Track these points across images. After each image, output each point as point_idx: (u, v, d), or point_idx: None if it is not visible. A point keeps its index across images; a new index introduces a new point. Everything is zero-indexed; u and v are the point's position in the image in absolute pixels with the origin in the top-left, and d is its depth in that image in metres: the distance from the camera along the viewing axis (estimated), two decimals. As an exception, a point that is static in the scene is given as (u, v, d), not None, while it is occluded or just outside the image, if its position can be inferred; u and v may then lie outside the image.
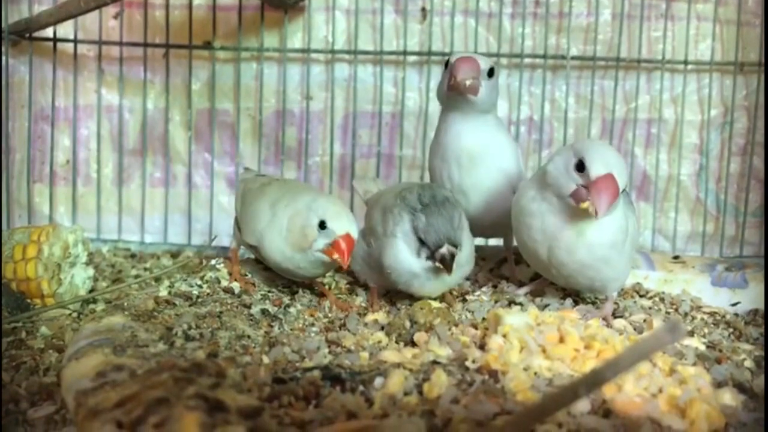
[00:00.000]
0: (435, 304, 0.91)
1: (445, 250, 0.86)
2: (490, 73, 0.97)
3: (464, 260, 0.90)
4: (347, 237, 0.87)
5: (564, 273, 0.90)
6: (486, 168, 0.99)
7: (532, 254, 0.91)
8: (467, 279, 1.08)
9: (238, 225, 0.99)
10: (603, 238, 0.86)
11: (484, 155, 0.99)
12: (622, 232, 0.88)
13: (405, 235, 0.88)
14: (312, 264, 0.90)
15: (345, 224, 0.87)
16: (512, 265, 1.09)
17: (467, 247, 0.91)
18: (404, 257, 0.89)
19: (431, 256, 0.87)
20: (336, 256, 0.87)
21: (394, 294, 0.97)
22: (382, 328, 0.86)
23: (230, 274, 0.97)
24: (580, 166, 0.83)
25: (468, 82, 0.94)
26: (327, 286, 1.01)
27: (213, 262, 1.01)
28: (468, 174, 0.99)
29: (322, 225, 0.87)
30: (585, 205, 0.81)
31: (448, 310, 0.89)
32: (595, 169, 0.81)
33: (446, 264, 0.86)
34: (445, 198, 0.90)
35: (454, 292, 1.00)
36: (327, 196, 0.97)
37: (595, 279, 0.90)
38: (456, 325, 0.84)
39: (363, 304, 0.96)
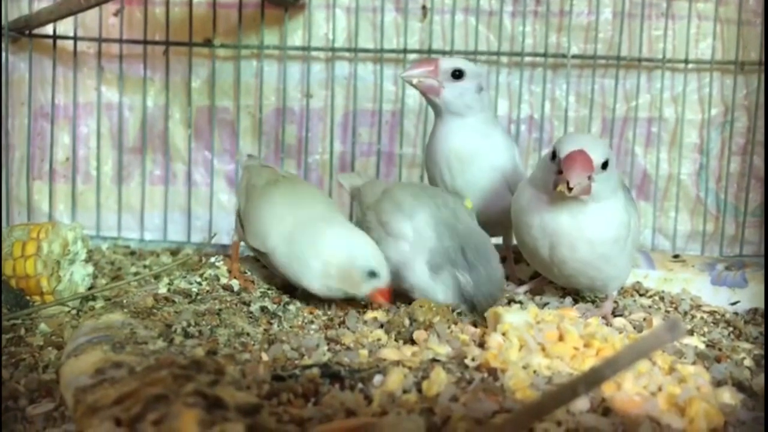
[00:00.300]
0: (435, 302, 0.91)
1: (483, 309, 0.85)
2: (456, 75, 0.97)
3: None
4: (391, 286, 0.89)
5: (565, 272, 0.89)
6: (477, 168, 1.00)
7: (532, 253, 0.91)
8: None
9: (240, 220, 0.99)
10: (604, 234, 0.86)
11: (474, 155, 0.99)
12: (624, 227, 0.88)
13: (434, 273, 0.88)
14: (344, 294, 0.91)
15: (387, 272, 0.89)
16: (512, 263, 1.09)
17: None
18: (425, 280, 0.89)
19: (471, 308, 0.87)
20: (382, 301, 0.89)
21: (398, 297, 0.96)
22: (382, 326, 0.86)
23: (230, 271, 0.97)
24: (553, 156, 0.83)
25: (415, 80, 0.97)
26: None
27: (212, 259, 1.01)
28: (459, 175, 0.99)
29: (372, 274, 0.88)
30: (559, 187, 0.81)
31: (447, 308, 0.88)
32: (564, 150, 0.81)
33: (479, 313, 0.85)
34: (487, 248, 0.88)
35: None
36: (358, 232, 0.93)
37: (596, 278, 0.90)
38: (455, 324, 0.84)
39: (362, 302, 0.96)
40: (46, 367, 0.82)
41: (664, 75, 1.33)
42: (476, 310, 0.86)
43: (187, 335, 0.76)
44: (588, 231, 0.86)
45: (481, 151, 0.99)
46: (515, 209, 0.92)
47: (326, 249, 0.88)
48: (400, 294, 0.96)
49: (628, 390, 0.64)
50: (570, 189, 0.79)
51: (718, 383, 0.71)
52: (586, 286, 0.93)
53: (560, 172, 0.81)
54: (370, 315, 0.89)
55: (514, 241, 1.10)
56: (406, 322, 0.83)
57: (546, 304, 0.94)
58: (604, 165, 0.82)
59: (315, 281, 0.89)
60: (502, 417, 0.59)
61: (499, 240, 1.13)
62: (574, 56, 1.33)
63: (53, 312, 1.00)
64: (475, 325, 0.84)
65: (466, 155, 0.99)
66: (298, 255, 0.89)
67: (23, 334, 0.93)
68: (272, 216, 0.92)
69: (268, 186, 0.98)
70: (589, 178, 0.81)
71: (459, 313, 0.86)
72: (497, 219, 1.02)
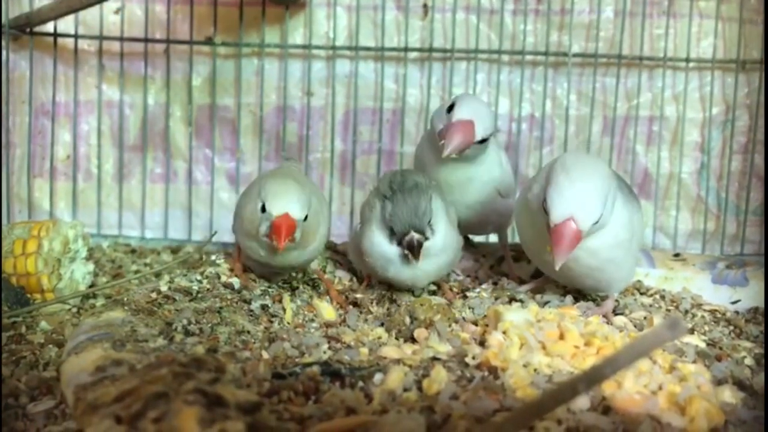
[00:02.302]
0: (435, 300, 0.91)
1: (410, 237, 0.86)
2: (482, 141, 0.96)
3: (439, 248, 0.90)
4: (284, 218, 0.83)
5: (569, 275, 0.89)
6: (471, 189, 1.02)
7: (536, 253, 0.91)
8: (467, 276, 1.08)
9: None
10: (605, 241, 0.86)
11: (467, 180, 1.01)
12: (627, 230, 0.87)
13: (378, 221, 0.90)
14: (269, 251, 0.88)
15: (282, 204, 0.84)
16: (510, 262, 1.09)
17: (441, 235, 0.90)
18: (378, 243, 0.90)
19: (399, 243, 0.88)
20: (276, 243, 0.84)
21: (395, 290, 0.96)
22: (382, 324, 0.86)
23: (231, 269, 0.97)
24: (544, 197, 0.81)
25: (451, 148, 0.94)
26: (330, 280, 1.01)
27: (213, 257, 1.01)
28: (450, 195, 0.99)
29: (263, 208, 0.85)
30: (547, 256, 0.81)
31: (448, 306, 0.89)
32: (553, 217, 0.79)
33: (413, 251, 0.86)
34: (415, 184, 0.89)
35: (454, 289, 1.00)
36: (279, 176, 0.92)
37: (601, 280, 0.90)
38: (456, 322, 0.84)
39: (353, 288, 0.98)
40: (47, 364, 0.82)
41: (666, 73, 1.33)
42: (396, 237, 0.87)
43: (187, 333, 0.76)
44: (590, 240, 0.84)
45: (474, 175, 1.01)
46: (520, 209, 0.92)
47: (244, 198, 0.90)
48: (400, 290, 0.96)
49: (629, 388, 0.64)
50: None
51: (718, 382, 0.71)
52: (590, 287, 0.93)
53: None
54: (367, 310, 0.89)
55: (513, 241, 1.10)
56: (407, 320, 0.84)
57: (547, 302, 0.93)
58: (596, 222, 0.80)
59: (241, 243, 0.90)
60: (503, 415, 0.59)
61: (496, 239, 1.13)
62: (575, 55, 1.32)
63: (54, 310, 1.00)
64: (475, 323, 0.84)
65: (458, 182, 1.01)
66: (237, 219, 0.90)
67: (24, 331, 0.93)
68: (244, 200, 0.94)
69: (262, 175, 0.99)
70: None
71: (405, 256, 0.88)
72: (488, 219, 1.06)
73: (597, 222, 0.80)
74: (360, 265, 0.99)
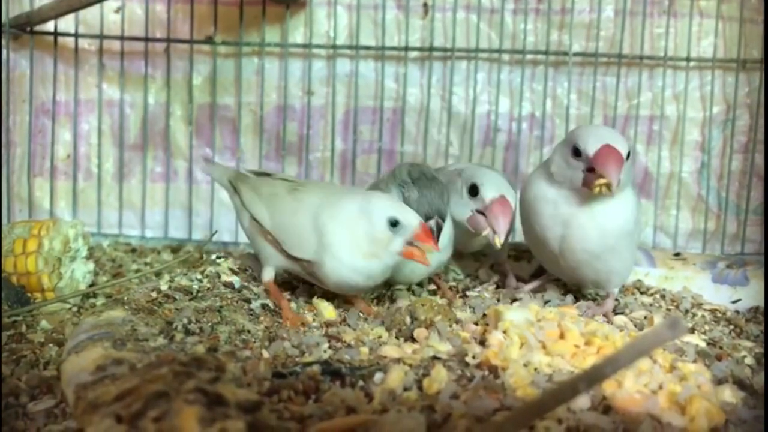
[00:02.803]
0: (436, 300, 0.91)
1: (433, 222, 0.88)
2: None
3: (445, 242, 0.91)
4: (424, 226, 0.82)
5: (572, 263, 0.89)
6: None
7: (541, 243, 0.91)
8: (467, 275, 1.08)
9: (269, 239, 0.90)
10: (616, 224, 0.87)
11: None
12: (634, 221, 0.88)
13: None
14: (385, 271, 0.85)
15: (413, 217, 0.82)
16: (506, 261, 1.09)
17: (448, 229, 0.92)
18: None
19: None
20: (424, 246, 0.81)
21: (395, 290, 0.96)
22: (382, 323, 0.86)
23: (281, 311, 0.88)
24: (575, 152, 0.84)
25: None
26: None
27: (213, 256, 1.01)
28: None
29: (395, 223, 0.81)
30: (596, 188, 0.82)
31: (449, 306, 0.88)
32: (591, 147, 0.82)
33: (433, 236, 0.86)
34: (433, 175, 0.92)
35: (453, 288, 1.00)
36: (373, 193, 0.89)
37: (601, 270, 0.90)
38: (457, 322, 0.84)
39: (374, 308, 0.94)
40: (47, 363, 0.82)
41: (666, 73, 1.33)
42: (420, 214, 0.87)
43: (187, 332, 0.76)
44: (601, 219, 0.86)
45: None
46: (525, 199, 0.92)
47: (345, 217, 0.83)
48: (400, 290, 0.96)
49: (629, 388, 0.64)
50: (610, 188, 0.81)
51: (718, 381, 0.71)
52: (590, 280, 0.93)
53: (590, 170, 0.82)
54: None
55: (513, 240, 1.10)
56: (407, 320, 0.83)
57: (547, 302, 0.94)
58: (628, 155, 0.84)
59: (347, 260, 0.83)
60: (503, 415, 0.59)
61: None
62: (576, 54, 1.32)
63: (54, 309, 1.00)
64: (476, 323, 0.84)
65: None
66: (326, 243, 0.83)
67: (24, 330, 0.93)
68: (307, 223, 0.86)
69: (293, 192, 0.90)
70: None
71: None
72: None
73: (629, 154, 0.83)
74: None
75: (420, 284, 1.01)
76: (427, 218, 0.87)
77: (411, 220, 0.82)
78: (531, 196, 0.90)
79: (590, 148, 0.82)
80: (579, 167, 0.83)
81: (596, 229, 0.86)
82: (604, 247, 0.87)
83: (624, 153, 0.82)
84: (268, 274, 0.92)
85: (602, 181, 0.81)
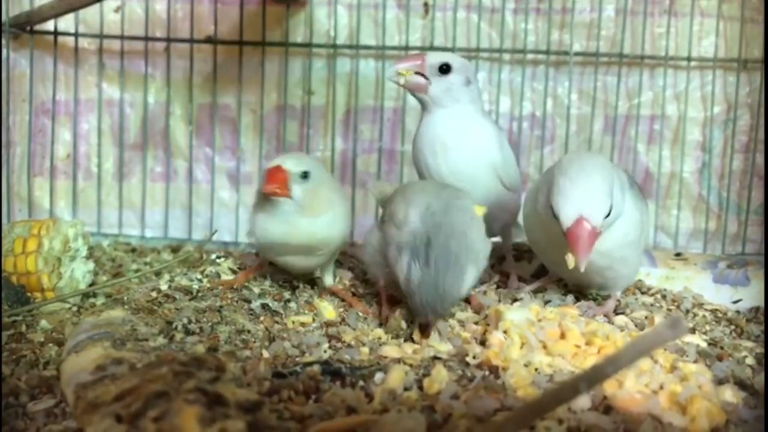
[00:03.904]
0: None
1: (425, 321, 0.79)
2: (443, 69, 0.96)
3: (464, 294, 0.83)
4: (275, 167, 0.84)
5: (580, 276, 0.89)
6: (460, 153, 0.97)
7: (548, 252, 0.90)
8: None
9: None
10: (617, 241, 0.85)
11: (457, 141, 0.97)
12: (637, 229, 0.88)
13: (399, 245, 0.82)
14: (285, 223, 0.86)
15: (276, 159, 0.85)
16: (511, 261, 1.08)
17: (469, 283, 0.81)
18: (401, 262, 0.81)
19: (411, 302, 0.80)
20: (265, 188, 0.83)
21: (400, 295, 0.95)
22: (380, 325, 0.86)
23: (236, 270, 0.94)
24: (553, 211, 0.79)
25: (402, 80, 0.96)
26: (352, 294, 0.96)
27: (213, 256, 1.01)
28: (443, 161, 0.97)
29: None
30: (569, 262, 0.80)
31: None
32: (564, 218, 0.77)
33: (423, 330, 0.80)
34: (447, 237, 0.78)
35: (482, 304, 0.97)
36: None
37: (609, 278, 0.90)
38: (453, 315, 0.84)
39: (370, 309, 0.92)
40: (47, 363, 0.82)
41: (667, 72, 1.32)
42: (414, 307, 0.79)
43: (187, 332, 0.76)
44: (602, 243, 0.82)
45: (464, 136, 0.97)
46: (528, 212, 0.91)
47: None
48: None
49: (630, 388, 0.64)
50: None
51: (719, 381, 0.71)
52: (598, 285, 0.93)
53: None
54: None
55: (515, 239, 1.10)
56: (403, 324, 0.83)
57: (548, 302, 0.93)
58: (608, 214, 0.79)
59: (255, 221, 0.90)
60: (503, 415, 0.59)
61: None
62: (577, 53, 1.32)
63: (54, 309, 1.00)
64: (476, 323, 0.84)
65: (448, 140, 0.97)
66: None
67: (24, 330, 0.93)
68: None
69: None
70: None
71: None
72: (493, 215, 0.98)
73: (609, 214, 0.79)
74: (377, 270, 0.91)
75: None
76: (418, 312, 0.79)
77: (268, 164, 0.85)
78: (532, 218, 0.89)
79: (564, 219, 0.77)
80: (557, 227, 0.79)
81: (599, 253, 0.83)
82: (611, 261, 0.87)
83: (598, 221, 0.77)
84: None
85: (571, 258, 0.78)
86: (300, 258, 0.91)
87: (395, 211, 0.86)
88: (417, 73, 0.97)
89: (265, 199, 0.86)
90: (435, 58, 0.97)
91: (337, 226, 0.90)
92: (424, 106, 1.00)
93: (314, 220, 0.87)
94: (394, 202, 0.89)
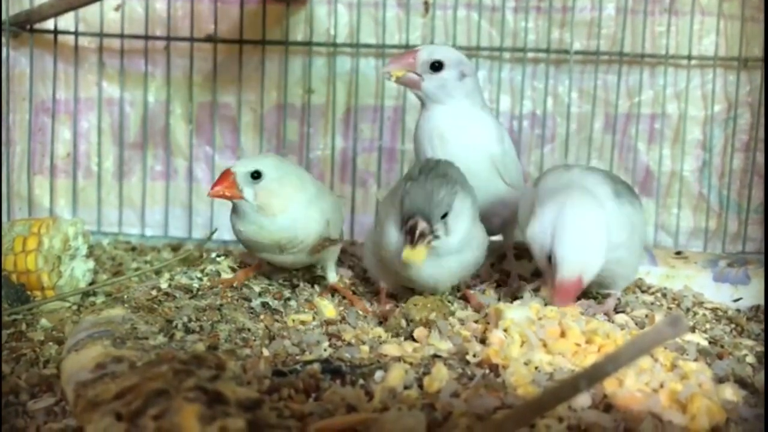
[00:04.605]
0: (429, 298, 0.89)
1: (414, 222, 0.78)
2: (435, 66, 0.96)
3: (453, 248, 0.83)
4: (224, 171, 0.87)
5: None
6: (458, 144, 0.97)
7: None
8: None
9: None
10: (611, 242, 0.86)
11: (455, 133, 0.97)
12: (625, 230, 0.87)
13: (396, 209, 0.82)
14: (251, 224, 0.88)
15: (235, 163, 0.88)
16: (512, 260, 1.08)
17: (459, 237, 0.83)
18: (393, 233, 0.83)
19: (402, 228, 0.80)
20: (211, 191, 0.87)
21: (400, 295, 0.95)
22: (380, 324, 0.86)
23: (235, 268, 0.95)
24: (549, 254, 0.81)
25: (394, 78, 0.97)
26: (352, 292, 0.97)
27: (213, 255, 1.01)
28: (441, 152, 0.96)
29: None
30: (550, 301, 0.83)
31: (441, 302, 0.88)
32: (560, 273, 0.80)
33: (411, 235, 0.78)
34: (444, 174, 0.83)
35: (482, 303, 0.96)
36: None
37: (605, 278, 0.90)
38: (452, 314, 0.84)
39: (370, 308, 0.93)
40: (47, 362, 0.82)
41: (667, 71, 1.32)
42: (402, 219, 0.80)
43: (187, 330, 0.76)
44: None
45: (462, 129, 0.97)
46: (524, 213, 0.91)
47: None
48: (405, 294, 0.94)
49: (630, 386, 0.64)
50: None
51: (720, 380, 0.71)
52: (595, 283, 0.93)
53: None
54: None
55: (516, 239, 1.10)
56: (403, 322, 0.83)
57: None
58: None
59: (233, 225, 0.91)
60: (504, 413, 0.59)
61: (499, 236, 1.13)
62: (577, 52, 1.32)
63: (54, 307, 1.00)
64: (476, 321, 0.84)
65: (446, 133, 0.97)
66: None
67: (24, 329, 0.93)
68: None
69: None
70: None
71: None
72: (493, 210, 1.00)
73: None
74: (376, 272, 0.93)
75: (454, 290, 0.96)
76: (407, 217, 0.79)
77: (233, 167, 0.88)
78: (527, 211, 0.89)
79: (562, 273, 0.79)
80: (549, 271, 0.82)
81: None
82: (606, 262, 0.87)
83: (589, 279, 0.81)
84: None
85: (551, 294, 0.82)
86: (278, 256, 0.91)
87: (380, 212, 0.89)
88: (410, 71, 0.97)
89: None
90: (426, 55, 0.96)
91: (303, 223, 0.89)
92: (421, 102, 1.00)
93: (274, 219, 0.88)
94: (381, 208, 0.92)
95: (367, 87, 1.35)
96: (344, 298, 0.94)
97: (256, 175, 0.86)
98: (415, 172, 0.84)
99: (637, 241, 0.91)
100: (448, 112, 0.98)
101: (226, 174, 0.87)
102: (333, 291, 0.96)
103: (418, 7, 1.34)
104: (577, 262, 0.80)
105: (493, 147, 0.99)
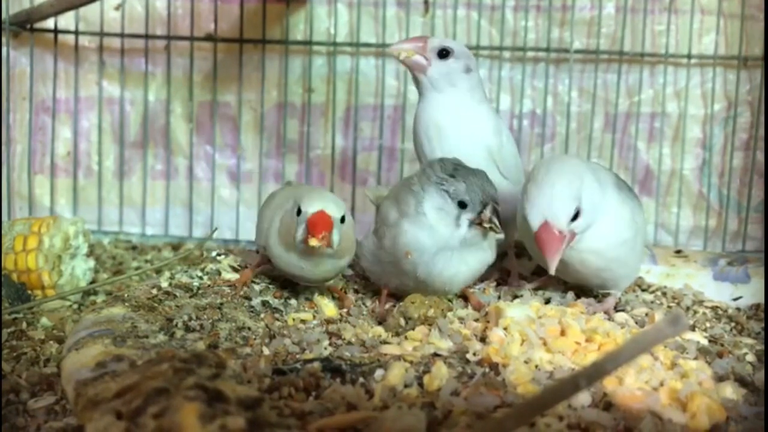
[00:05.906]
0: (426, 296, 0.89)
1: (490, 208, 0.82)
2: (443, 54, 0.97)
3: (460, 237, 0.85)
4: (320, 214, 0.79)
5: (578, 276, 0.90)
6: (456, 136, 0.97)
7: (539, 254, 0.90)
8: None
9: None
10: (609, 241, 0.86)
11: (453, 124, 0.97)
12: (630, 228, 0.88)
13: (435, 209, 0.84)
14: (309, 262, 0.85)
15: (316, 203, 0.80)
16: (513, 259, 1.08)
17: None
18: (429, 233, 0.84)
19: (477, 219, 0.83)
20: (312, 241, 0.78)
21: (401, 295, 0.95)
22: (380, 323, 0.86)
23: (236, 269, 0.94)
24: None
25: (402, 55, 0.97)
26: (343, 290, 0.96)
27: (214, 254, 1.01)
28: (438, 144, 0.96)
29: (298, 211, 0.81)
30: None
31: (439, 298, 0.88)
32: None
33: (495, 222, 0.82)
34: (474, 169, 0.86)
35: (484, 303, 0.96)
36: (307, 186, 0.92)
37: (608, 279, 0.90)
38: (450, 310, 0.84)
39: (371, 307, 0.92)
40: (48, 360, 0.82)
41: (667, 70, 1.32)
42: (477, 210, 0.83)
43: (188, 329, 0.76)
44: (593, 242, 0.84)
45: (459, 119, 0.97)
46: (523, 213, 0.91)
47: (280, 212, 0.87)
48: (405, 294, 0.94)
49: (630, 385, 0.64)
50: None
51: (720, 378, 0.71)
52: (598, 285, 0.93)
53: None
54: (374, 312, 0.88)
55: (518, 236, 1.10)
56: (402, 321, 0.83)
57: (548, 300, 0.93)
58: (574, 217, 0.81)
59: (277, 257, 0.86)
60: (504, 411, 0.59)
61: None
62: (577, 51, 1.32)
63: (54, 306, 1.00)
64: (477, 320, 0.84)
65: (443, 122, 0.97)
66: (272, 234, 0.87)
67: (25, 327, 0.93)
68: (267, 214, 0.92)
69: (273, 192, 0.98)
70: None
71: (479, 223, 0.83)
72: None
73: (576, 216, 0.81)
74: (377, 273, 0.92)
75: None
76: (483, 206, 0.82)
77: (309, 208, 0.80)
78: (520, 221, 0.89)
79: (531, 224, 0.80)
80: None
81: (590, 252, 0.85)
82: (605, 261, 0.87)
83: (565, 221, 0.80)
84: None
85: None
86: (308, 280, 0.90)
87: (385, 215, 0.89)
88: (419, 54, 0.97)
89: (288, 233, 0.83)
90: (436, 42, 0.97)
91: (350, 259, 0.90)
92: (421, 91, 1.00)
93: (339, 261, 0.87)
94: (382, 210, 0.92)
95: (367, 86, 1.35)
96: (334, 296, 0.94)
97: (342, 219, 0.82)
98: (439, 174, 0.85)
99: (639, 241, 0.91)
100: (446, 102, 0.98)
101: (326, 219, 0.79)
102: (327, 289, 0.96)
103: (418, 7, 1.34)
104: (539, 205, 0.80)
105: (490, 138, 0.98)
